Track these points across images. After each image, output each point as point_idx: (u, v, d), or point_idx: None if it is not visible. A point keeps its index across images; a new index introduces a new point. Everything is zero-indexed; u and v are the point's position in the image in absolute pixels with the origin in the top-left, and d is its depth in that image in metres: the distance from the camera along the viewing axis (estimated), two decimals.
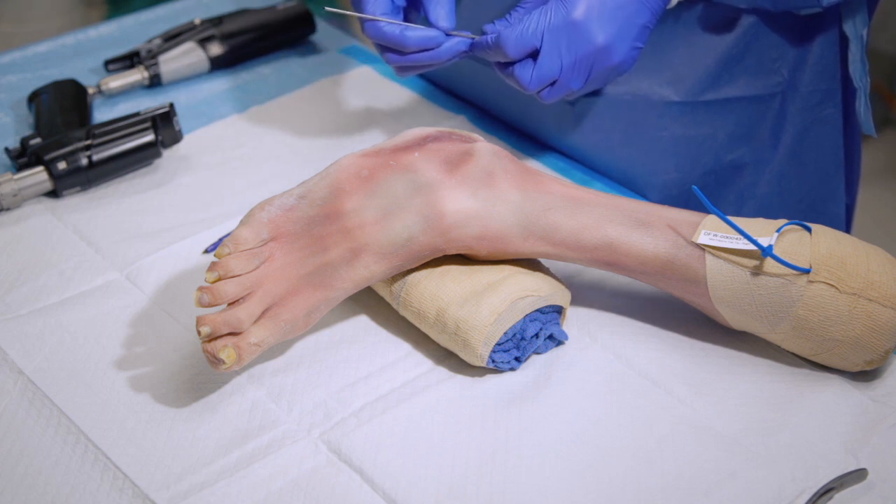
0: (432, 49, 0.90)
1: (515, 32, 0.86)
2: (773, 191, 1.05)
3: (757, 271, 0.80)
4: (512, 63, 0.88)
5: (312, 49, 1.26)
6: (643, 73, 1.01)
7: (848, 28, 0.98)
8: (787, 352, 0.85)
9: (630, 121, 1.03)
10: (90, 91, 1.13)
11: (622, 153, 1.05)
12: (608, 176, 1.07)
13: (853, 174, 1.10)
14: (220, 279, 0.79)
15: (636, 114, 1.03)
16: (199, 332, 0.77)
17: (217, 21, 1.20)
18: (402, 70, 0.93)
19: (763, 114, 1.02)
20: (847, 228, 1.12)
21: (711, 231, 0.82)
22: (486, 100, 1.14)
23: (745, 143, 1.03)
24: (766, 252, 0.79)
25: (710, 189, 1.04)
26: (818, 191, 1.07)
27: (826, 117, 1.03)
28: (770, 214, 1.04)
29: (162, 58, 1.17)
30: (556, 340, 0.86)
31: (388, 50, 0.91)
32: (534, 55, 0.87)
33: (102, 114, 1.13)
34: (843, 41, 1.00)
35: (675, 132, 1.02)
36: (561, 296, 0.85)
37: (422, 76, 1.21)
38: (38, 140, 1.02)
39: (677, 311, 0.89)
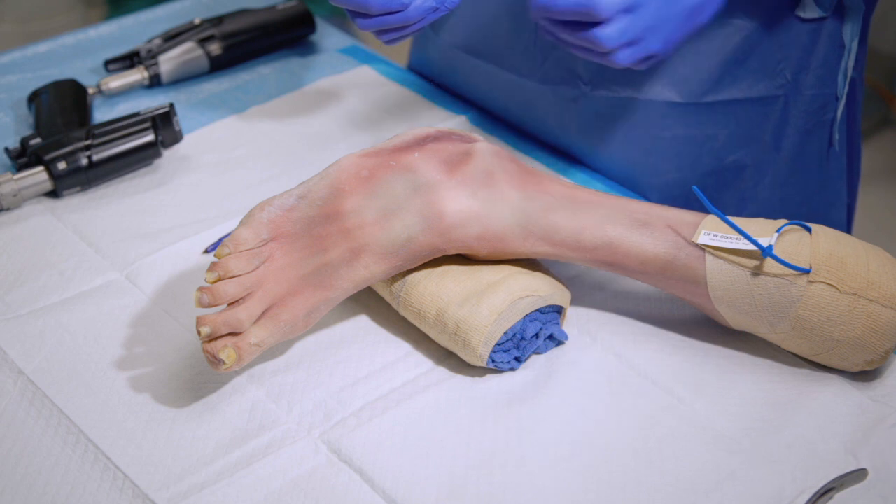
0: (398, 11, 0.87)
1: None
2: (774, 193, 1.05)
3: (757, 271, 0.80)
4: (593, 24, 0.78)
5: (312, 49, 1.26)
6: (646, 74, 1.01)
7: (845, 36, 0.98)
8: (787, 352, 0.85)
9: (631, 121, 1.03)
10: (90, 91, 1.13)
11: (623, 153, 1.05)
12: (609, 176, 1.07)
13: (853, 176, 1.10)
14: (219, 279, 0.79)
15: (638, 114, 1.03)
16: (199, 333, 0.77)
17: (217, 21, 1.20)
18: (380, 35, 0.91)
19: (765, 116, 1.02)
20: (847, 229, 1.12)
21: (711, 231, 0.82)
22: (486, 100, 1.14)
23: (747, 144, 1.03)
24: (766, 252, 0.79)
25: (711, 190, 1.04)
26: (819, 194, 1.07)
27: (828, 121, 1.03)
28: (771, 216, 1.04)
29: (162, 58, 1.17)
30: (556, 340, 0.86)
31: (357, 14, 0.90)
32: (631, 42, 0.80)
33: (102, 114, 1.13)
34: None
35: (677, 133, 1.02)
36: (561, 296, 0.85)
37: (422, 76, 1.21)
38: (38, 140, 1.02)
39: (677, 311, 0.89)
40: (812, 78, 1.00)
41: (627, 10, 0.78)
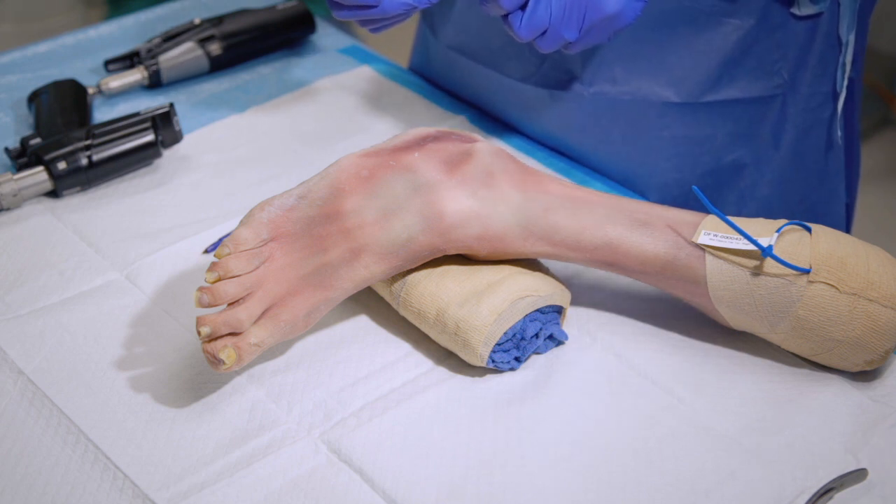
0: (372, 6, 0.88)
1: None
2: (774, 192, 1.05)
3: (757, 271, 0.80)
4: (508, 13, 0.87)
5: (312, 49, 1.26)
6: (644, 74, 1.01)
7: (841, 31, 0.99)
8: (787, 352, 0.85)
9: (630, 121, 1.03)
10: (90, 91, 1.13)
11: (622, 153, 1.05)
12: (608, 176, 1.07)
13: (853, 173, 1.10)
14: (219, 279, 0.79)
15: (636, 114, 1.03)
16: (199, 333, 0.77)
17: (217, 21, 1.20)
18: (361, 24, 0.91)
19: (764, 115, 1.02)
20: (847, 228, 1.12)
21: (711, 231, 0.82)
22: (486, 102, 1.14)
23: (746, 143, 1.03)
24: (766, 252, 0.79)
25: (711, 190, 1.04)
26: (818, 192, 1.07)
27: (826, 119, 1.03)
28: (770, 215, 1.04)
29: (162, 58, 1.17)
30: (556, 340, 0.86)
31: (333, 4, 0.90)
32: (525, 5, 0.87)
33: (102, 114, 1.13)
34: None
35: (676, 132, 1.02)
36: (561, 296, 0.85)
37: (422, 76, 1.21)
38: (38, 140, 1.02)
39: (677, 311, 0.89)
40: (809, 76, 1.01)
41: (525, 6, 0.86)
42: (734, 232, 0.81)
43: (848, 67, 1.00)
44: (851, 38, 0.99)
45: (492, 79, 1.10)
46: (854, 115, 1.08)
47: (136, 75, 1.16)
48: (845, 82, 1.01)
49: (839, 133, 1.03)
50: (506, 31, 0.89)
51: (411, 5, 0.87)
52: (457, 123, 1.13)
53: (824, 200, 1.08)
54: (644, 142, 1.04)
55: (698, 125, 1.02)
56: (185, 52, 1.18)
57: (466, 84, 1.15)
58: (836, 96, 1.02)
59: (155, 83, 1.17)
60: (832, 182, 1.07)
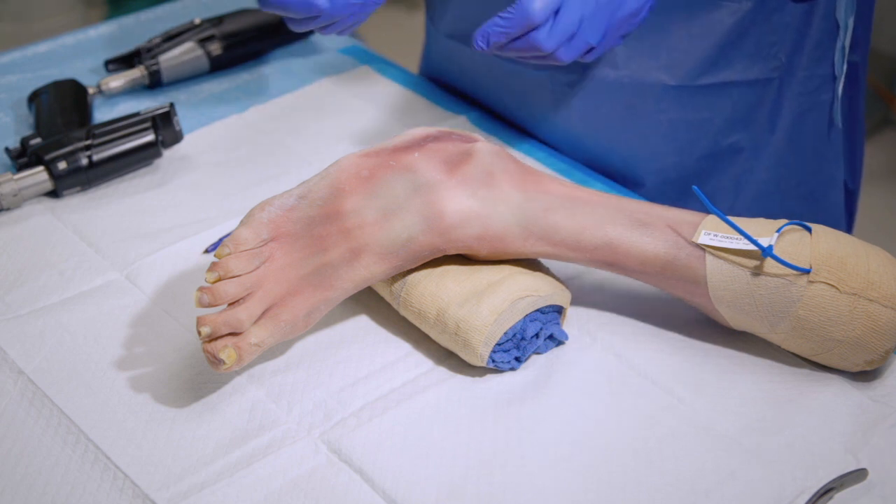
0: (317, 16, 0.88)
1: None
2: (771, 176, 1.05)
3: (757, 271, 0.80)
4: (528, 31, 0.83)
5: (312, 49, 1.26)
6: (641, 57, 1.01)
7: (838, 15, 0.99)
8: (788, 352, 0.85)
9: (627, 105, 1.03)
10: (90, 91, 1.13)
11: (620, 137, 1.05)
12: (606, 161, 1.07)
13: (856, 159, 1.10)
14: (220, 279, 0.79)
15: (633, 98, 1.03)
16: (199, 333, 0.77)
17: (217, 21, 1.20)
18: (321, 31, 0.92)
19: (760, 98, 1.02)
20: (849, 215, 1.12)
21: (711, 231, 0.82)
22: (487, 93, 1.14)
23: (743, 127, 1.03)
24: (766, 252, 0.79)
25: (708, 174, 1.04)
26: (816, 176, 1.07)
27: (824, 102, 1.03)
28: (768, 199, 1.04)
29: (162, 57, 1.17)
30: (556, 340, 0.86)
31: (288, 19, 0.91)
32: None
33: (102, 114, 1.13)
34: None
35: (673, 116, 1.03)
36: (561, 296, 0.85)
37: (424, 76, 1.21)
38: (38, 140, 1.02)
39: (677, 311, 0.89)
40: (806, 60, 1.01)
41: (556, 10, 0.83)
42: (734, 232, 0.81)
43: (847, 51, 1.00)
44: (850, 22, 0.99)
45: (492, 67, 1.10)
46: (858, 101, 1.08)
47: (137, 75, 1.16)
48: (844, 66, 1.01)
49: (838, 117, 1.03)
50: (517, 56, 0.85)
51: (360, 1, 0.88)
52: (457, 124, 1.13)
53: (822, 185, 1.08)
54: (642, 126, 1.04)
55: (695, 109, 1.02)
56: (185, 52, 1.18)
57: (467, 73, 1.15)
58: (835, 80, 1.02)
59: (155, 83, 1.17)
60: (830, 167, 1.07)
